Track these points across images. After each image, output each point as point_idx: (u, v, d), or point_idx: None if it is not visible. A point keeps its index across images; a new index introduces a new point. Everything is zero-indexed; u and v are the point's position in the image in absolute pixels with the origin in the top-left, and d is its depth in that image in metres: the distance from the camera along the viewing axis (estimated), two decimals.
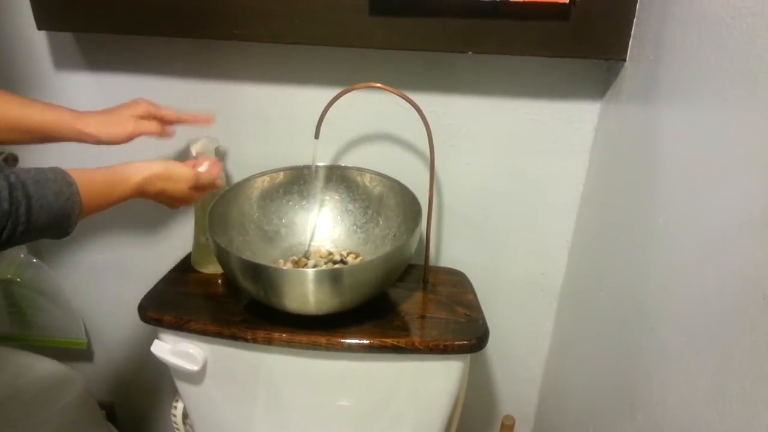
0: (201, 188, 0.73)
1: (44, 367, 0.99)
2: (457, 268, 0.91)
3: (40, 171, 0.52)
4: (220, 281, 0.85)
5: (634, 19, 0.68)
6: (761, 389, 0.40)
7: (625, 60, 0.70)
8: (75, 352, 1.13)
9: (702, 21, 0.52)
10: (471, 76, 0.79)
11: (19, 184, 0.49)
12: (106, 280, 1.06)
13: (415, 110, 0.73)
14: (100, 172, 0.61)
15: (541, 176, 0.85)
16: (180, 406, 0.92)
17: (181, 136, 0.82)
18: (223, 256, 0.71)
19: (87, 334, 1.11)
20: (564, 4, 0.66)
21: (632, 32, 0.68)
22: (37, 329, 1.10)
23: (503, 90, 0.80)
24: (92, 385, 1.00)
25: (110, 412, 1.21)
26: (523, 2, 0.67)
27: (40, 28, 0.79)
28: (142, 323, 0.78)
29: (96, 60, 0.87)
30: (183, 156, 0.89)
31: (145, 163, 0.66)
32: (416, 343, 0.72)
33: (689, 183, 0.53)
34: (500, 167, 0.85)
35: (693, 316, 0.50)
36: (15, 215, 0.48)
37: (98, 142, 0.71)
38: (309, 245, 0.87)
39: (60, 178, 0.53)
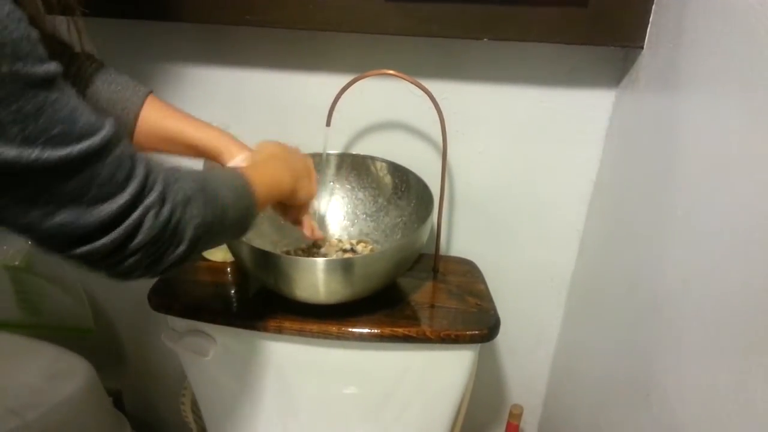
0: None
1: (52, 354, 0.99)
2: (467, 258, 0.90)
3: (208, 172, 0.52)
4: (230, 269, 0.84)
5: (653, 6, 0.66)
6: None
7: (642, 48, 0.69)
8: (83, 339, 1.13)
9: (727, 8, 0.51)
10: (485, 63, 0.78)
11: (199, 187, 0.47)
12: None
13: (428, 98, 0.72)
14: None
15: (553, 165, 0.84)
16: (189, 393, 0.92)
17: None
18: (233, 244, 0.70)
19: (95, 321, 1.11)
20: None
21: (650, 19, 0.67)
22: (46, 316, 1.10)
23: (517, 77, 0.79)
24: (100, 372, 1.00)
25: (118, 399, 1.21)
26: None
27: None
28: (150, 310, 0.77)
29: (103, 45, 0.85)
30: None
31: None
32: (427, 333, 0.72)
33: (711, 174, 0.52)
34: (513, 156, 0.84)
35: (714, 311, 0.49)
36: (211, 218, 0.47)
37: None
38: None
39: (228, 171, 0.54)
